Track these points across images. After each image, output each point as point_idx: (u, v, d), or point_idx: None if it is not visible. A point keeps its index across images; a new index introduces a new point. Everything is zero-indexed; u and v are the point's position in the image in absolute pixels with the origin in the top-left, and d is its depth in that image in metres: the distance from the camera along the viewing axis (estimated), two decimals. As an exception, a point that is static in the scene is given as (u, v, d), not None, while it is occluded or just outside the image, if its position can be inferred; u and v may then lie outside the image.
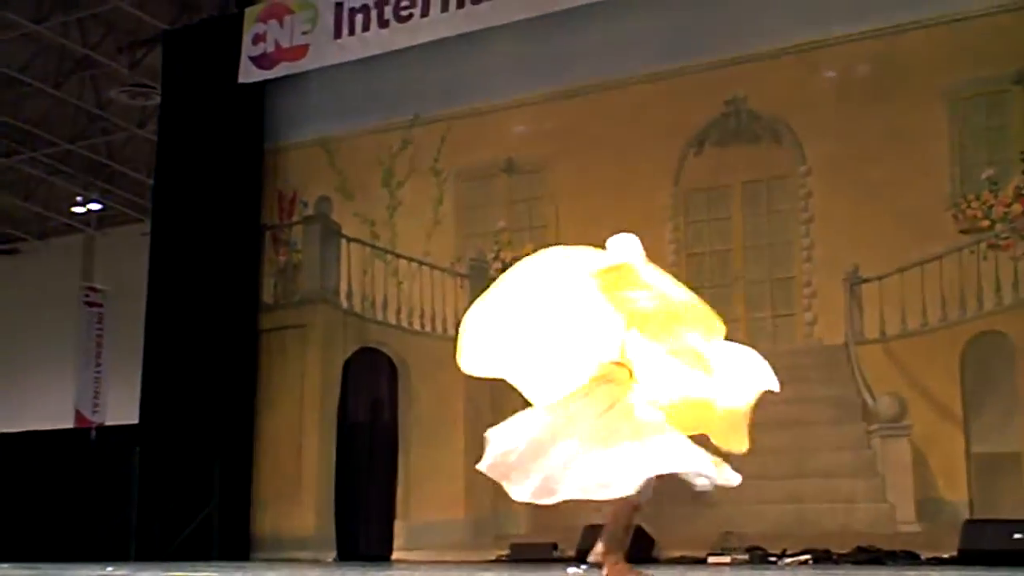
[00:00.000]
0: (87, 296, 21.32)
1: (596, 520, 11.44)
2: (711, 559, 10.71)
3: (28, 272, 25.40)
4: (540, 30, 12.82)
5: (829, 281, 11.41)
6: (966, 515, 10.30)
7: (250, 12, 14.47)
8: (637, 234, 12.70)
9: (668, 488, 11.61)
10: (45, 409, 20.76)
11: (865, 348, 11.17)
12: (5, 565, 10.97)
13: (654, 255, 12.24)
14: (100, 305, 20.99)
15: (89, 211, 24.04)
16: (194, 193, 14.59)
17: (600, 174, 12.65)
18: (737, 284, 11.87)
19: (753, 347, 11.83)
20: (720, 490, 11.45)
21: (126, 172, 21.87)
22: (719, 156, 12.09)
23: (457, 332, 12.89)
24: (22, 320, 24.60)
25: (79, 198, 23.59)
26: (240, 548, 13.52)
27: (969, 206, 10.89)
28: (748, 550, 10.77)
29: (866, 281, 11.20)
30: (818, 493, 11.14)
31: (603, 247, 12.27)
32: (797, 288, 11.61)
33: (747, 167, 12.00)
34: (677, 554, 11.08)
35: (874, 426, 11.01)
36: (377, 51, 13.52)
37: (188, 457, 13.74)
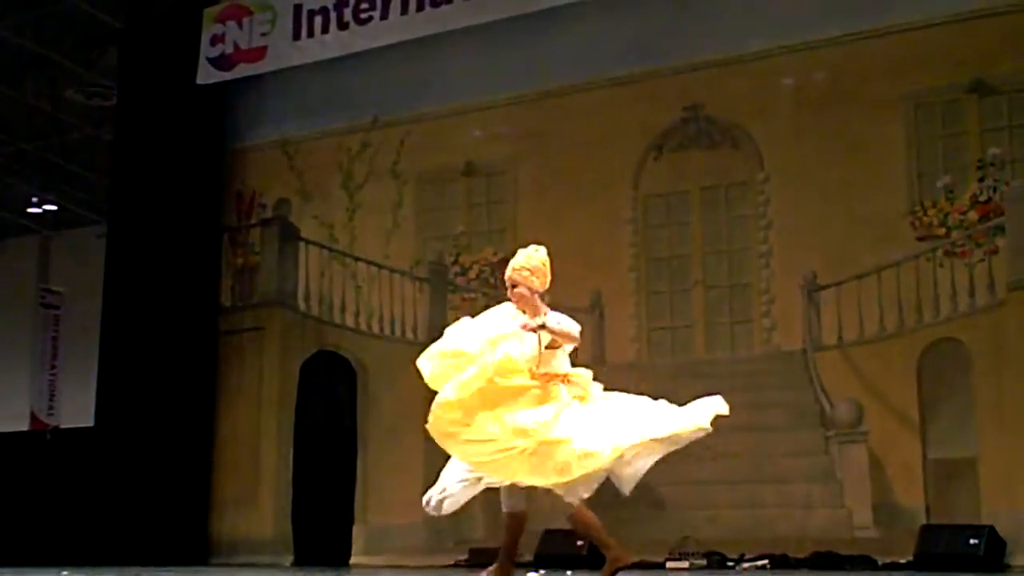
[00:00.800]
0: (43, 298, 21.15)
1: (555, 525, 11.49)
2: (669, 564, 10.74)
3: (-17, 273, 25.19)
4: (500, 34, 12.80)
5: (787, 287, 11.46)
6: (922, 520, 10.38)
7: (208, 13, 14.37)
8: (597, 237, 12.84)
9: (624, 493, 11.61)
10: (0, 411, 20.58)
11: (823, 354, 11.23)
12: (-42, 570, 10.86)
13: (614, 259, 12.37)
14: (57, 307, 20.82)
15: (45, 212, 23.85)
16: (152, 194, 14.49)
17: (559, 178, 12.68)
18: (696, 289, 11.91)
19: (712, 352, 11.94)
20: (678, 494, 11.58)
21: (82, 173, 21.70)
22: (678, 161, 12.13)
23: (416, 335, 12.95)
24: (-24, 321, 24.40)
25: (35, 199, 23.40)
26: (198, 552, 13.45)
27: (926, 213, 10.96)
28: (706, 555, 10.80)
29: (824, 288, 11.26)
30: (776, 498, 11.19)
31: (562, 249, 12.27)
32: (755, 294, 11.65)
33: (706, 173, 12.04)
34: (635, 559, 11.08)
35: (831, 432, 11.07)
36: (336, 53, 13.46)
37: (145, 460, 13.65)
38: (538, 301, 6.66)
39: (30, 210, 23.82)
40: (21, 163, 21.77)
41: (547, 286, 6.81)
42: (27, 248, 25.16)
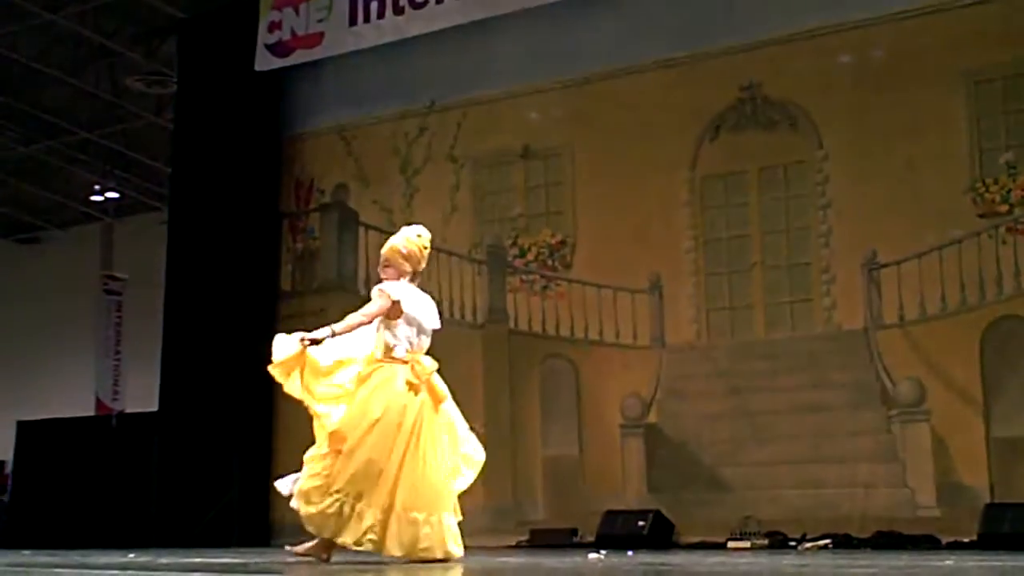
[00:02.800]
0: (107, 284, 21.39)
1: (615, 506, 11.52)
2: (731, 544, 10.72)
3: (48, 261, 25.51)
4: (556, 16, 12.81)
5: (847, 266, 11.39)
6: (986, 499, 10.30)
7: (266, 0, 14.48)
8: (654, 220, 12.82)
9: (686, 474, 11.67)
10: (66, 397, 20.84)
11: (884, 333, 11.16)
12: (27, 552, 11.04)
13: (672, 240, 12.36)
14: (119, 293, 21.06)
15: (107, 199, 24.11)
16: (212, 181, 14.62)
17: (616, 160, 12.65)
18: (755, 270, 11.86)
19: (772, 332, 11.88)
20: (740, 475, 11.56)
21: (144, 160, 21.92)
22: (735, 142, 12.07)
23: (475, 318, 13.02)
24: (43, 308, 24.70)
25: (97, 187, 23.66)
26: (260, 534, 13.56)
27: (987, 190, 10.86)
28: (768, 535, 10.79)
29: (884, 266, 11.18)
30: (838, 478, 11.13)
31: (620, 231, 12.30)
32: (815, 273, 11.59)
33: (763, 153, 11.98)
34: (696, 539, 11.10)
35: (894, 411, 11.00)
36: (392, 38, 13.51)
37: (208, 444, 13.80)
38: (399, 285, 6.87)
39: (93, 198, 24.10)
40: (84, 152, 22.05)
41: (419, 268, 7.01)
42: (90, 235, 25.46)
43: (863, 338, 11.25)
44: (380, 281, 6.95)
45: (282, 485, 6.88)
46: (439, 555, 6.53)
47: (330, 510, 6.48)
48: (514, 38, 13.23)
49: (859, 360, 11.23)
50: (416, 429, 6.63)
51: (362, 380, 6.72)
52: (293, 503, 6.72)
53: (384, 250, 7.00)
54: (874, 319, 11.21)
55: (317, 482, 6.56)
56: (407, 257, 6.93)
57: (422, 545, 6.44)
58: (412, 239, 7.00)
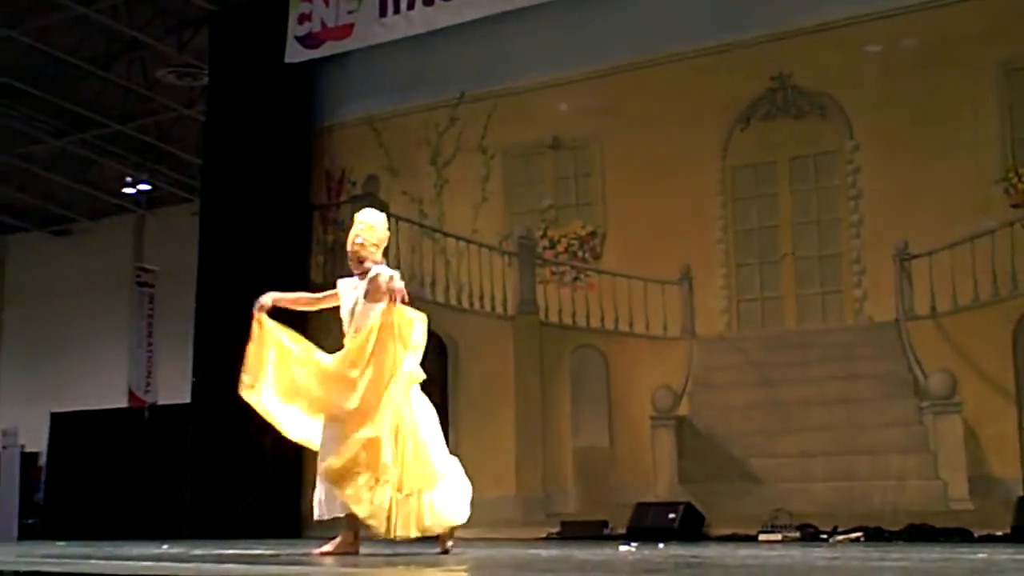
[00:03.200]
0: (139, 276, 21.51)
1: (646, 498, 11.51)
2: (762, 536, 10.70)
3: (81, 253, 25.67)
4: (586, 6, 12.82)
5: (878, 257, 11.34)
6: (1019, 492, 10.22)
7: (296, -8, 14.53)
8: (684, 210, 12.79)
9: (717, 466, 11.65)
10: (99, 388, 20.99)
11: (916, 324, 11.10)
12: (61, 543, 11.13)
13: (702, 231, 12.32)
14: (151, 285, 21.17)
15: (139, 191, 24.24)
16: (243, 173, 14.66)
17: (646, 150, 12.62)
18: (786, 260, 11.82)
19: (803, 324, 11.82)
20: (771, 467, 11.53)
21: (175, 152, 22.02)
22: (765, 131, 12.03)
23: (506, 309, 12.99)
24: (75, 300, 24.87)
25: (129, 179, 23.78)
26: (292, 526, 13.61)
27: (1020, 180, 10.78)
28: (799, 527, 10.75)
29: (916, 257, 11.12)
30: (869, 470, 11.10)
31: (650, 222, 12.28)
32: (846, 264, 11.54)
33: (794, 142, 11.93)
34: (727, 531, 11.08)
35: (925, 403, 10.95)
36: (421, 30, 13.53)
37: (239, 435, 13.84)
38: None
39: (125, 190, 24.25)
40: (115, 144, 22.17)
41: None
42: (122, 228, 25.62)
43: (894, 329, 11.20)
44: (363, 261, 7.15)
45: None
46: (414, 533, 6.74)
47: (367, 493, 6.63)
48: (544, 28, 13.22)
49: (890, 351, 11.18)
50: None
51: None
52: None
53: (379, 235, 7.22)
54: (905, 310, 11.15)
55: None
56: (380, 244, 7.26)
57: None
58: (377, 229, 7.28)
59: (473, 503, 12.40)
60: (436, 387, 13.46)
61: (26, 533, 17.70)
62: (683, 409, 12.02)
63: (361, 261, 7.25)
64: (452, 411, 13.29)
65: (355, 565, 6.12)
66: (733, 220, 12.14)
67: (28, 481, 19.55)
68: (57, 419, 17.15)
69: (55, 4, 17.13)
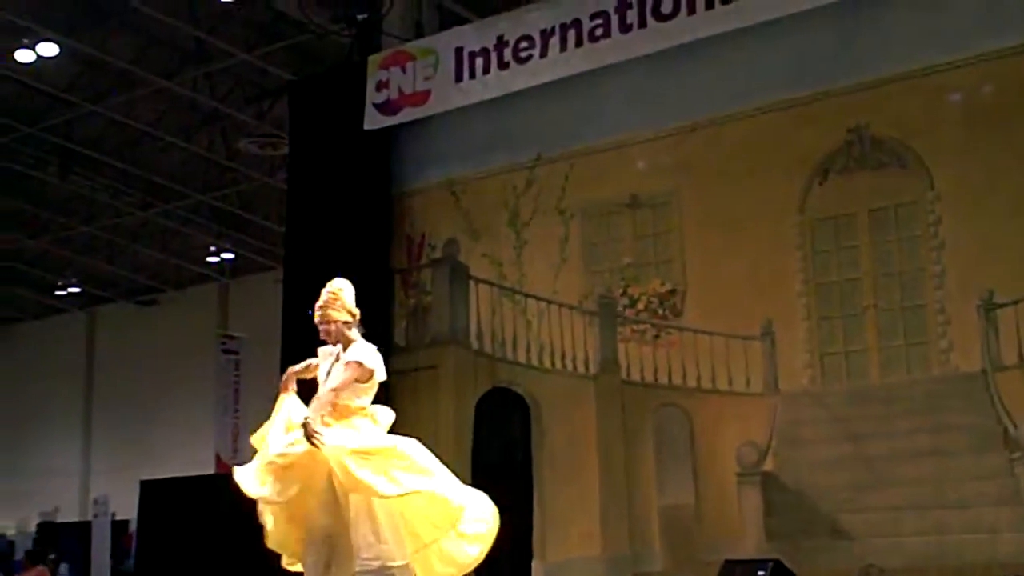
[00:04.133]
0: (224, 344, 21.79)
1: (733, 555, 11.41)
2: (853, 592, 10.56)
3: (167, 321, 26.09)
4: (659, 64, 12.84)
5: (963, 307, 11.18)
6: (1115, 543, 10.04)
7: (372, 60, 14.72)
8: (764, 265, 12.73)
9: (806, 522, 11.51)
10: (187, 455, 21.22)
11: (1004, 374, 10.92)
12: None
13: (782, 285, 12.24)
14: (236, 352, 21.43)
15: (223, 260, 24.60)
16: (324, 239, 14.80)
17: (724, 206, 12.59)
18: (868, 313, 11.71)
19: (888, 376, 11.66)
20: (860, 522, 11.36)
21: (257, 221, 22.36)
22: (844, 184, 11.95)
23: (587, 369, 12.92)
24: (163, 369, 25.22)
25: (213, 248, 24.16)
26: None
27: (1107, 226, 10.65)
28: (891, 583, 10.60)
29: (1002, 306, 10.96)
30: (961, 524, 10.90)
31: (730, 278, 12.23)
32: (930, 315, 11.40)
33: (873, 194, 11.84)
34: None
35: (1017, 454, 10.75)
36: (498, 93, 13.65)
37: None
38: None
39: (209, 259, 24.63)
40: (199, 214, 22.57)
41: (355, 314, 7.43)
42: (207, 296, 26.03)
43: (982, 380, 11.02)
44: (345, 336, 7.23)
45: None
46: None
47: None
48: (619, 87, 13.28)
49: (978, 402, 11.00)
50: None
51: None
52: None
53: (350, 306, 7.35)
54: (992, 360, 10.98)
55: None
56: (349, 311, 7.38)
57: None
58: (340, 296, 7.40)
59: (559, 564, 12.38)
60: (519, 447, 13.53)
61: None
62: (768, 465, 11.90)
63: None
64: (536, 471, 13.29)
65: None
66: (814, 273, 12.05)
67: (119, 548, 19.78)
68: (146, 487, 17.33)
69: (138, 78, 17.53)
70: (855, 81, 11.96)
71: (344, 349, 7.29)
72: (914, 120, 11.69)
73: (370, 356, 7.19)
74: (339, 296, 7.43)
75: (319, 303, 7.40)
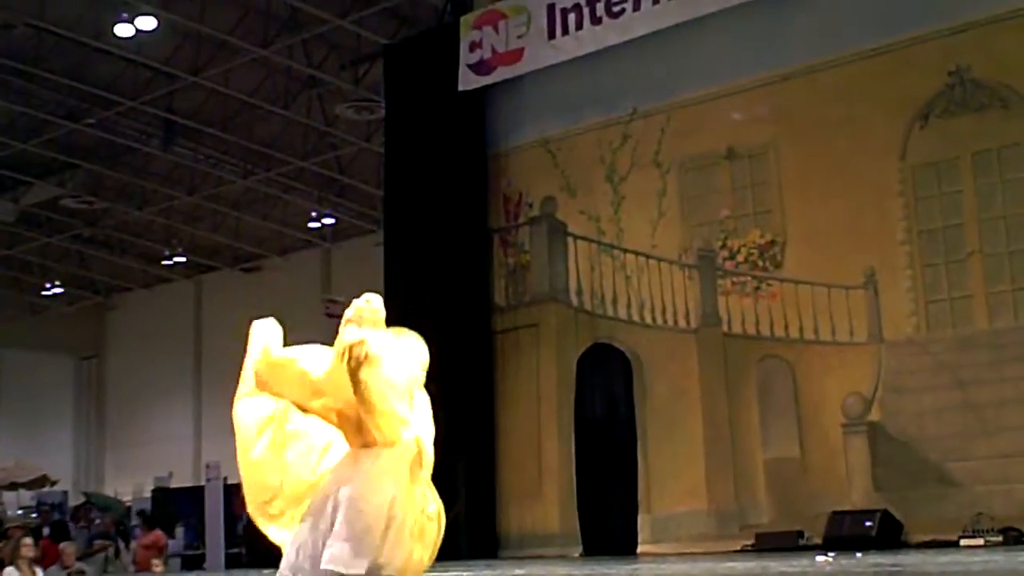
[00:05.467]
0: (328, 308, 21.88)
1: (840, 506, 11.34)
2: (963, 541, 10.44)
3: (271, 287, 26.38)
4: (752, 14, 12.71)
5: (1071, 249, 10.99)
6: None
7: (465, 20, 14.75)
8: (864, 213, 12.55)
9: (913, 471, 11.38)
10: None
11: (1114, 316, 10.74)
12: (267, 571, 11.41)
13: (884, 233, 12.07)
14: (340, 316, 21.62)
15: (324, 225, 24.83)
16: (423, 201, 14.91)
17: (823, 155, 12.46)
18: (973, 258, 11.52)
19: (995, 322, 11.45)
20: (969, 470, 11.19)
21: (356, 185, 22.52)
22: (946, 128, 11.76)
23: (689, 322, 12.87)
24: (268, 334, 25.52)
25: (314, 213, 24.39)
26: (488, 546, 13.77)
27: None
28: (1002, 531, 10.46)
29: (1112, 246, 10.76)
30: (1073, 470, 10.75)
31: (831, 227, 12.06)
32: (1037, 259, 11.21)
33: (976, 137, 11.64)
34: (927, 538, 10.85)
35: None
36: (591, 49, 13.61)
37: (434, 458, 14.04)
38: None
39: (310, 224, 24.86)
40: (299, 180, 22.77)
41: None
42: (310, 261, 26.27)
43: (1091, 323, 10.84)
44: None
45: None
46: None
47: None
48: (713, 39, 13.18)
49: (1088, 346, 10.82)
50: None
51: None
52: None
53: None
54: (1102, 302, 10.78)
55: None
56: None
57: None
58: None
59: (666, 517, 12.41)
60: (622, 403, 13.55)
61: (232, 563, 18.22)
62: (874, 415, 11.80)
63: None
64: (640, 427, 13.31)
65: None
66: (916, 220, 11.89)
67: (231, 512, 20.12)
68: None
69: (236, 48, 17.71)
70: (954, 23, 11.74)
71: None
72: (1016, 60, 11.45)
73: None
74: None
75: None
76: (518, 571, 7.50)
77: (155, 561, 16.63)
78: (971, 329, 11.54)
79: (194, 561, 19.90)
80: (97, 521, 20.70)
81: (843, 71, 12.38)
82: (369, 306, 6.41)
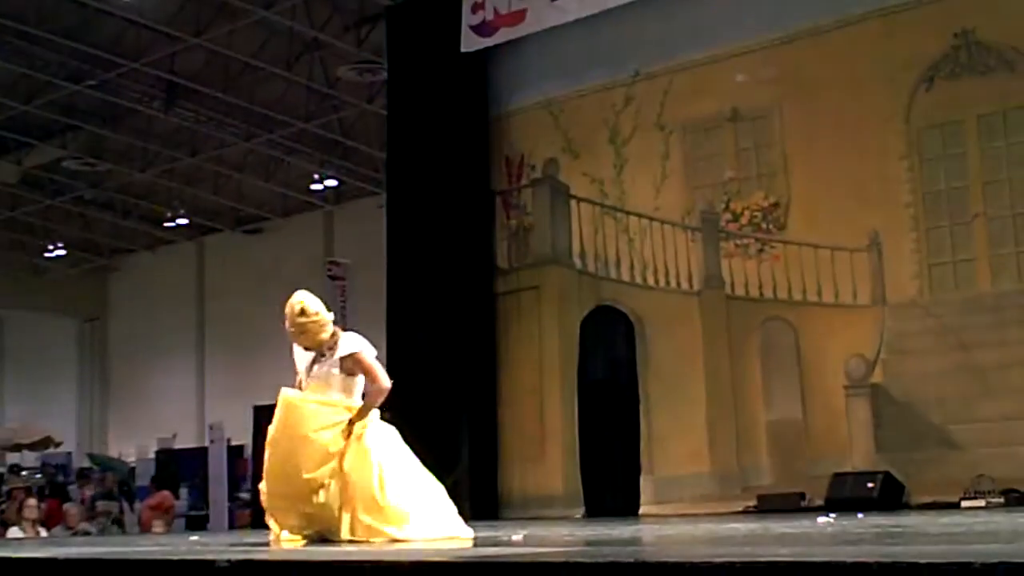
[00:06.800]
0: (330, 270, 21.96)
1: (842, 468, 11.37)
2: (964, 503, 10.48)
3: (274, 249, 26.40)
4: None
5: (1075, 212, 10.98)
6: None
7: (468, -19, 14.68)
8: (869, 176, 12.52)
9: (915, 433, 11.40)
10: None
11: (1117, 279, 10.73)
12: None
13: (888, 196, 12.04)
14: (343, 278, 21.60)
15: (327, 187, 24.80)
16: (425, 163, 14.88)
17: (827, 117, 12.43)
18: (978, 221, 11.51)
19: (998, 285, 11.45)
20: (971, 432, 11.22)
21: (359, 147, 22.47)
22: (951, 90, 11.72)
23: (691, 285, 12.82)
24: (270, 295, 25.52)
25: (316, 175, 24.36)
26: (489, 507, 13.81)
27: None
28: (1003, 493, 10.50)
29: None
30: (1074, 432, 10.78)
31: (835, 189, 11.99)
32: (1041, 221, 11.20)
33: (981, 100, 11.60)
34: (928, 499, 10.89)
35: None
36: (594, 10, 13.52)
37: (434, 421, 14.07)
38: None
39: (312, 186, 24.83)
40: (301, 142, 22.71)
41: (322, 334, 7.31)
42: (312, 223, 26.26)
43: (1094, 286, 10.83)
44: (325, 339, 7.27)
45: None
46: None
47: None
48: (717, 0, 13.13)
49: (1091, 310, 10.82)
50: None
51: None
52: None
53: (325, 318, 7.31)
54: (1105, 266, 10.78)
55: None
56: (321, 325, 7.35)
57: None
58: (310, 311, 7.35)
59: (668, 479, 12.43)
60: (625, 365, 13.57)
61: (236, 523, 18.31)
62: (877, 377, 11.82)
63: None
64: (643, 389, 13.33)
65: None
66: (921, 182, 11.87)
67: (235, 473, 20.21)
68: (260, 412, 17.65)
69: (237, 9, 17.63)
70: (960, -16, 11.69)
71: (327, 346, 7.30)
72: (1022, 22, 11.39)
73: (364, 343, 7.33)
74: (311, 316, 7.35)
75: (291, 328, 7.40)
76: (521, 531, 7.51)
77: (155, 522, 16.72)
78: (974, 292, 11.55)
79: (198, 522, 19.99)
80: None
81: (848, 33, 12.33)
82: (306, 317, 6.99)
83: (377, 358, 7.41)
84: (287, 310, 7.44)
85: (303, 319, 7.32)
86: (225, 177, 25.00)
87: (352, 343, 7.29)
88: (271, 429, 7.33)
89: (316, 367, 7.32)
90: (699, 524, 8.76)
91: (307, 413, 7.14)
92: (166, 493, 18.65)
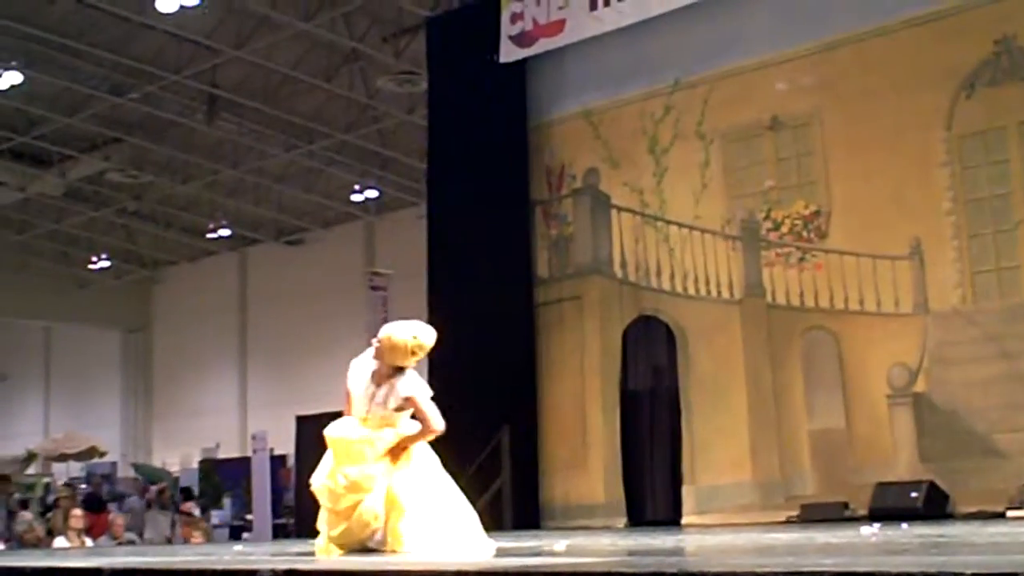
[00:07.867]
0: (371, 280, 22.04)
1: (886, 478, 11.31)
2: (1010, 513, 10.40)
3: (315, 260, 26.55)
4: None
5: (1119, 219, 10.89)
6: None
7: (507, -8, 14.72)
8: (910, 183, 12.46)
9: (959, 443, 11.34)
10: (338, 390, 21.60)
11: None
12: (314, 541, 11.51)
13: (930, 204, 11.97)
14: (384, 288, 21.67)
15: (367, 198, 24.92)
16: (465, 173, 14.93)
17: (868, 125, 12.38)
18: (1021, 228, 11.43)
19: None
20: (1016, 441, 11.15)
21: (399, 158, 22.57)
22: (992, 97, 11.66)
23: (732, 294, 12.87)
24: (313, 306, 25.70)
25: (356, 186, 24.48)
26: (531, 517, 13.81)
27: None
28: (1049, 502, 10.42)
29: None
30: (1120, 441, 10.68)
31: (876, 197, 11.97)
32: (1083, 229, 11.11)
33: (1023, 106, 11.53)
34: (973, 509, 10.81)
35: None
36: (633, 20, 13.55)
37: (476, 430, 14.10)
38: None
39: (353, 197, 24.95)
40: (341, 153, 22.85)
41: (406, 362, 7.59)
42: (353, 233, 26.39)
43: None
44: (392, 365, 7.56)
45: None
46: None
47: None
48: (756, 8, 13.12)
49: None
50: None
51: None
52: None
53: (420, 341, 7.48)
54: None
55: None
56: (396, 349, 7.58)
57: None
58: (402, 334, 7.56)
59: (710, 489, 12.40)
60: (667, 375, 13.56)
61: (279, 532, 18.39)
62: (920, 386, 11.76)
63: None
64: (684, 398, 13.31)
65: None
66: (963, 190, 11.80)
67: (278, 483, 20.31)
68: (302, 422, 17.73)
69: (277, 22, 17.75)
70: (1000, -9, 11.63)
71: (388, 373, 7.44)
72: (1064, 28, 11.33)
73: (421, 386, 7.48)
74: (425, 349, 7.59)
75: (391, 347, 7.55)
76: (563, 541, 7.52)
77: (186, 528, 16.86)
78: (1018, 299, 11.46)
79: (241, 532, 20.10)
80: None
81: (888, 40, 12.29)
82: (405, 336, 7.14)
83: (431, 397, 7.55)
84: (403, 335, 7.55)
85: (415, 344, 7.52)
86: (266, 188, 25.16)
87: (410, 385, 7.43)
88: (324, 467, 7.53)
89: (378, 393, 7.45)
90: (741, 534, 8.74)
91: (355, 452, 7.33)
92: (189, 504, 18.84)
